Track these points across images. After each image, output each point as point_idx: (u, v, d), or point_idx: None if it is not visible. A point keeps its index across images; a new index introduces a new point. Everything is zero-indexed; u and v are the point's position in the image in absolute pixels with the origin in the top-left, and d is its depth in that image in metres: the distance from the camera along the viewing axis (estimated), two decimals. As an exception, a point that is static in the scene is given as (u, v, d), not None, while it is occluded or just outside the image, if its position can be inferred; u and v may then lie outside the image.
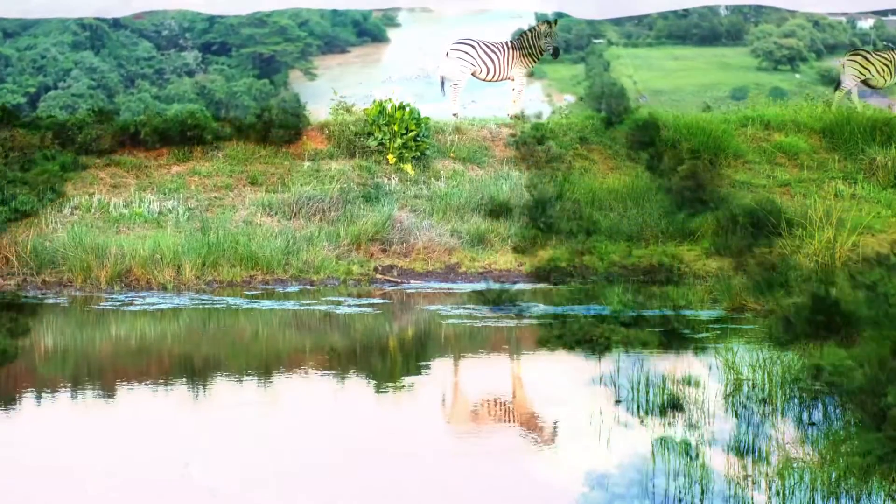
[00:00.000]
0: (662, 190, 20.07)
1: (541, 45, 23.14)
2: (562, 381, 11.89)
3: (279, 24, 58.74)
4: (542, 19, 23.57)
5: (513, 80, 23.49)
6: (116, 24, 57.80)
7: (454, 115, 23.24)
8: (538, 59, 23.53)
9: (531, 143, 21.68)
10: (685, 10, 62.86)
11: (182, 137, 21.40)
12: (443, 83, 23.37)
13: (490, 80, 23.52)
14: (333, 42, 62.01)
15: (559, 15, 50.15)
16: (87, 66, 53.50)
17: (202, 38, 59.04)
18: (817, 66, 60.31)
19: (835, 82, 25.66)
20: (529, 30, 23.32)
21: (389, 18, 66.80)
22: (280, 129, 21.58)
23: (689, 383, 10.89)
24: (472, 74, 23.28)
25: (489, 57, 23.21)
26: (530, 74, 24.59)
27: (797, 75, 56.69)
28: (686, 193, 19.73)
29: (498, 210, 19.45)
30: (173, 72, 56.63)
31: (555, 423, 10.49)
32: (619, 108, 23.19)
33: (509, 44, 23.37)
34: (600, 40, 61.88)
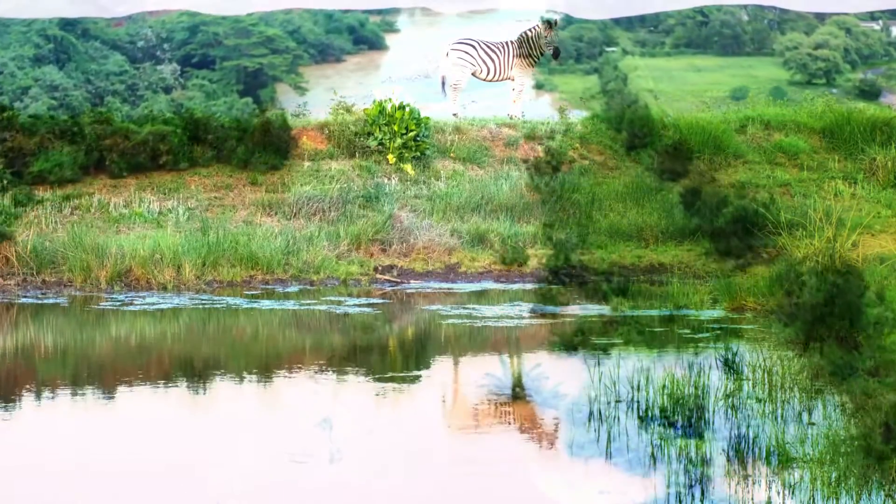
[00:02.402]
0: (701, 232, 18.68)
1: (541, 45, 23.12)
2: (561, 381, 11.88)
3: (266, 35, 55.11)
4: (546, 20, 23.41)
5: (513, 80, 23.48)
6: (85, 34, 53.47)
7: (454, 115, 23.22)
8: (538, 59, 23.51)
9: (545, 172, 21.00)
10: (704, 17, 59.91)
11: (154, 164, 20.48)
12: (443, 83, 23.36)
13: (490, 80, 23.50)
14: (327, 50, 59.33)
15: (568, 20, 48.95)
16: (48, 84, 48.03)
17: (182, 49, 55.01)
18: (854, 78, 57.43)
19: (877, 95, 25.35)
20: (529, 30, 23.29)
21: (388, 24, 64.44)
22: (264, 154, 20.82)
23: (688, 383, 10.87)
24: (473, 74, 23.27)
25: (489, 57, 23.20)
26: (539, 86, 24.24)
27: (833, 90, 53.65)
28: (733, 243, 18.47)
29: (512, 258, 19.01)
30: (148, 87, 51.43)
31: (555, 423, 10.48)
32: (644, 131, 22.20)
33: (509, 44, 23.35)
34: (613, 49, 59.47)
